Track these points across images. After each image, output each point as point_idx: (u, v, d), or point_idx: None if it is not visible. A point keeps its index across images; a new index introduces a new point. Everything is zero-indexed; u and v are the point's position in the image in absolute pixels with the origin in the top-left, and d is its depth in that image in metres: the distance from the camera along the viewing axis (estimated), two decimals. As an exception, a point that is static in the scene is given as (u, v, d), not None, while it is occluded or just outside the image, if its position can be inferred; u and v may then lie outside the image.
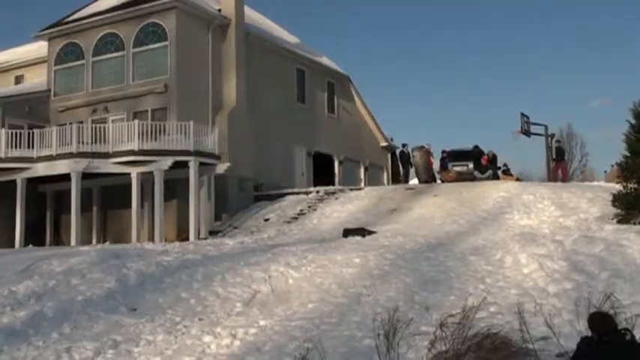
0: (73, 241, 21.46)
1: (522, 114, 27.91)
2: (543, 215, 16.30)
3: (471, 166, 25.50)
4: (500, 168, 27.52)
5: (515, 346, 6.79)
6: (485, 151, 26.46)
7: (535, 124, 28.22)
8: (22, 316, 9.72)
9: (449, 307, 8.50)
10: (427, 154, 27.38)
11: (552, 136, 28.73)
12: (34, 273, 12.51)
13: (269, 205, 23.89)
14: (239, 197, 24.74)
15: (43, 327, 9.36)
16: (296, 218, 21.44)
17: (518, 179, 26.36)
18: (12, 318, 9.71)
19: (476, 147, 26.84)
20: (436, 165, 27.69)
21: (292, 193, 24.83)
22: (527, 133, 28.01)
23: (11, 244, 22.62)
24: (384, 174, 34.93)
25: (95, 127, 22.42)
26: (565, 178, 26.53)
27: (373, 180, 33.23)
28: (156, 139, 21.84)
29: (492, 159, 26.22)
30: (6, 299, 10.58)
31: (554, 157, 26.68)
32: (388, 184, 31.60)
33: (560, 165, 26.18)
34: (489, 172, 22.18)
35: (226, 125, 24.66)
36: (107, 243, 20.19)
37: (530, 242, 11.96)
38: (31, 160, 22.46)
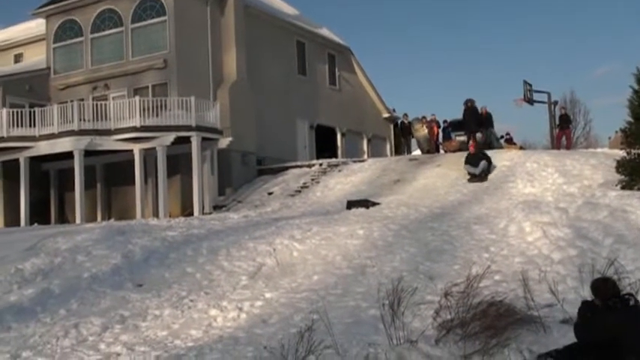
0: (77, 219, 21.56)
1: (525, 82, 27.70)
2: (547, 183, 16.27)
3: (479, 135, 24.20)
4: (503, 136, 27.36)
5: (520, 313, 6.81)
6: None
7: (538, 91, 28.02)
8: (30, 294, 9.78)
9: (453, 277, 8.53)
10: (429, 124, 27.23)
11: (555, 103, 28.53)
12: (40, 251, 12.57)
13: (272, 178, 23.90)
14: (242, 171, 24.74)
15: (50, 304, 9.42)
16: (299, 191, 21.46)
17: (521, 148, 26.21)
18: (19, 296, 9.77)
19: (469, 101, 24.38)
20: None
21: (295, 167, 24.81)
22: (530, 101, 27.82)
23: (17, 223, 22.73)
24: (387, 145, 34.85)
25: (96, 105, 22.38)
26: (569, 146, 26.36)
27: (376, 152, 33.17)
28: (157, 115, 21.80)
29: (487, 117, 24.69)
30: (13, 277, 10.63)
31: (557, 124, 26.51)
32: (391, 155, 31.51)
33: (563, 132, 25.99)
34: (483, 163, 17.76)
35: (227, 99, 24.56)
36: (112, 220, 20.24)
37: (534, 210, 11.95)
38: (33, 138, 22.47)
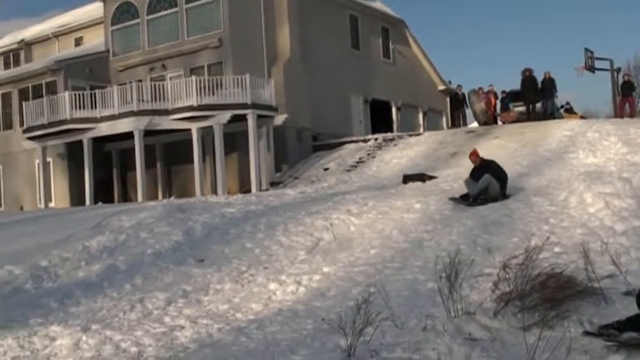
0: (139, 197, 22.15)
1: (586, 49, 26.89)
2: (609, 153, 15.80)
3: (538, 105, 23.74)
4: (562, 106, 26.66)
5: (581, 285, 6.71)
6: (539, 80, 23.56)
7: (600, 58, 27.16)
8: (97, 270, 10.16)
9: (512, 249, 8.44)
10: (487, 96, 26.72)
11: (618, 70, 27.61)
12: (105, 229, 13.01)
13: (328, 154, 23.96)
14: (298, 148, 24.87)
15: (116, 279, 9.76)
16: (355, 166, 21.46)
17: (582, 117, 25.51)
18: (87, 272, 10.16)
19: (527, 70, 23.61)
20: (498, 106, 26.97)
21: (351, 142, 24.79)
22: (591, 68, 27.00)
23: (82, 202, 23.51)
24: (443, 118, 34.42)
25: (154, 85, 22.79)
26: (633, 114, 25.43)
27: (432, 125, 32.81)
28: (213, 94, 22.07)
29: (550, 83, 23.75)
30: (80, 254, 11.05)
31: (620, 91, 25.62)
32: (447, 128, 31.12)
33: (627, 100, 25.08)
34: (485, 180, 11.88)
35: (282, 76, 24.64)
36: (172, 197, 20.69)
37: (596, 181, 11.66)
38: (95, 120, 23.09)
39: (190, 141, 22.24)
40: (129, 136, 22.58)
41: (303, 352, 5.83)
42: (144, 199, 21.80)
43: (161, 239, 11.78)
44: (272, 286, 8.75)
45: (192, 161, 22.32)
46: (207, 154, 23.59)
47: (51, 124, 23.63)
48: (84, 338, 6.98)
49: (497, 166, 12.51)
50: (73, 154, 25.07)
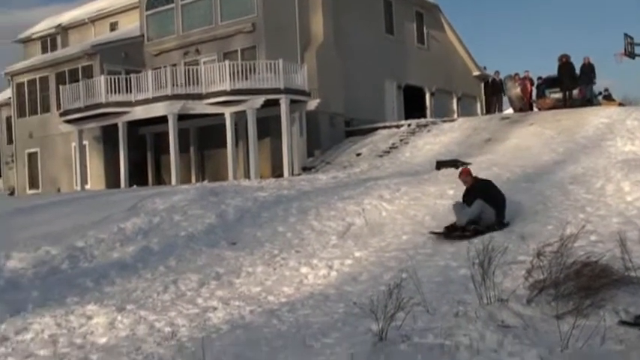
0: (173, 180, 22.38)
1: (626, 35, 26.26)
2: (648, 141, 15.50)
3: (575, 91, 23.33)
4: (601, 93, 26.15)
5: (617, 274, 6.60)
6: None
7: (640, 44, 26.53)
8: (131, 251, 10.30)
9: (546, 237, 8.33)
10: (522, 82, 26.32)
11: (659, 56, 26.94)
12: (139, 211, 13.19)
13: (360, 139, 23.90)
14: (330, 133, 24.84)
15: (150, 261, 9.89)
16: (388, 152, 21.38)
17: (621, 104, 24.98)
18: (122, 253, 10.31)
19: (564, 56, 23.13)
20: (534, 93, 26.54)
21: (383, 127, 24.69)
22: (631, 54, 26.38)
23: (117, 185, 23.86)
24: (478, 104, 34.04)
25: (188, 70, 22.93)
26: (673, 101, 24.84)
27: (466, 111, 32.48)
28: (247, 79, 22.13)
29: (590, 69, 23.14)
30: (116, 236, 11.22)
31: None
32: (482, 114, 30.77)
33: (668, 87, 24.46)
34: (477, 207, 9.80)
35: (315, 61, 24.58)
36: (205, 181, 20.86)
37: (634, 169, 11.46)
38: (129, 104, 23.34)
39: (223, 125, 22.36)
40: (163, 120, 22.79)
41: (334, 336, 5.85)
42: (177, 182, 22.03)
43: (194, 222, 11.91)
44: (304, 269, 8.79)
45: (225, 145, 22.45)
46: (240, 139, 23.70)
47: (87, 108, 23.97)
48: (119, 318, 7.10)
49: (494, 187, 10.38)
50: (108, 138, 25.41)
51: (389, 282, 7.22)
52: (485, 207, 9.78)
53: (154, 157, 26.91)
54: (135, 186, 22.25)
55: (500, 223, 9.83)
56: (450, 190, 12.11)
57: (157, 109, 22.66)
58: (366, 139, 23.80)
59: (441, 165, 15.95)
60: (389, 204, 11.80)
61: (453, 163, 15.81)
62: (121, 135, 23.71)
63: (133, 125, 24.64)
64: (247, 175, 22.34)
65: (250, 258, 9.68)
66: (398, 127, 24.36)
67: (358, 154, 22.29)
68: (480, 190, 10.09)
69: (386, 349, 5.12)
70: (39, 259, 9.99)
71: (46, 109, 28.70)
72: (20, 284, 9.06)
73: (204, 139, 25.83)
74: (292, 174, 21.47)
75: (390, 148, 21.79)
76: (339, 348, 5.44)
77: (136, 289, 8.56)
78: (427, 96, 31.09)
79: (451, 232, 9.67)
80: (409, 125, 24.11)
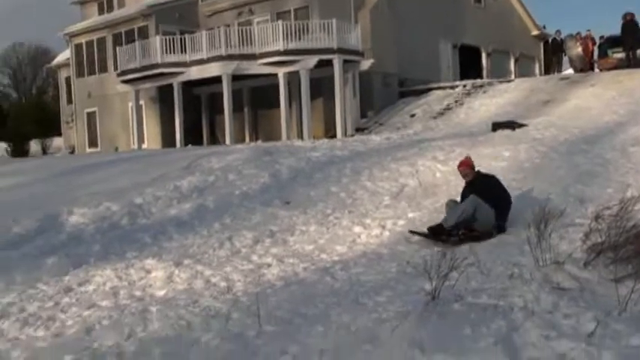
0: (227, 140, 22.65)
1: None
2: None
3: (639, 51, 22.42)
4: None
5: (679, 238, 6.42)
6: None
7: None
8: (188, 208, 10.53)
9: (605, 200, 8.15)
10: (584, 41, 25.46)
11: None
12: (195, 170, 13.42)
13: (414, 100, 23.64)
14: (384, 94, 24.63)
15: (206, 218, 10.10)
16: (442, 113, 21.12)
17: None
18: (179, 210, 10.55)
19: (628, 14, 21.94)
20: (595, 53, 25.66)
21: (438, 88, 24.34)
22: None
23: (173, 144, 24.28)
24: (536, 65, 33.14)
25: (241, 30, 22.96)
26: None
27: (524, 71, 31.66)
28: (300, 39, 22.05)
29: None
30: (172, 193, 11.47)
31: None
32: (540, 75, 29.97)
33: None
34: (467, 207, 8.01)
35: (368, 20, 24.27)
36: (259, 141, 21.07)
37: (700, 131, 11.04)
38: (184, 64, 23.57)
39: (277, 86, 22.41)
40: (217, 80, 22.97)
41: (387, 294, 5.89)
42: (231, 142, 22.28)
43: (249, 181, 12.06)
44: (356, 229, 8.83)
45: (278, 106, 22.53)
46: (293, 99, 23.73)
47: (143, 68, 24.33)
48: (176, 272, 7.30)
49: (498, 184, 8.50)
50: (164, 98, 25.80)
51: (442, 242, 7.20)
52: (481, 205, 7.92)
53: (209, 118, 27.23)
54: (190, 145, 22.62)
55: (499, 227, 7.99)
56: (505, 151, 11.91)
57: (211, 70, 22.83)
58: (420, 100, 23.53)
59: (496, 126, 15.67)
60: (443, 165, 11.68)
61: (510, 125, 15.51)
62: (176, 95, 24.03)
63: (188, 85, 24.93)
64: (300, 136, 22.42)
65: (304, 217, 9.77)
66: (453, 87, 23.97)
67: (412, 116, 22.08)
68: (479, 187, 8.26)
69: (438, 308, 5.13)
70: (100, 214, 10.31)
71: (103, 69, 29.27)
72: (82, 238, 9.40)
73: (257, 100, 25.97)
74: (345, 135, 21.44)
75: (445, 109, 21.50)
76: (392, 306, 5.47)
77: (193, 245, 8.76)
78: (483, 56, 30.42)
79: (436, 235, 7.92)
80: (464, 86, 23.71)
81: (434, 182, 10.99)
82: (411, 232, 8.26)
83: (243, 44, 22.60)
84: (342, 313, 5.30)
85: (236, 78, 23.00)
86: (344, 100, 22.08)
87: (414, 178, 11.23)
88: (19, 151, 29.86)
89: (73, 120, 32.29)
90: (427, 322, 4.75)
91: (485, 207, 7.93)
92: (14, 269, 7.94)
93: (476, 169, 8.66)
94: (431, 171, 11.54)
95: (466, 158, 8.87)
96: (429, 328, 4.63)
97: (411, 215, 9.23)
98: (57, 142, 34.48)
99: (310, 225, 9.28)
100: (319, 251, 7.96)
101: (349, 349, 4.44)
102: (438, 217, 8.64)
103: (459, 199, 8.49)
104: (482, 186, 8.25)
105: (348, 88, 22.78)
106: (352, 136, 20.83)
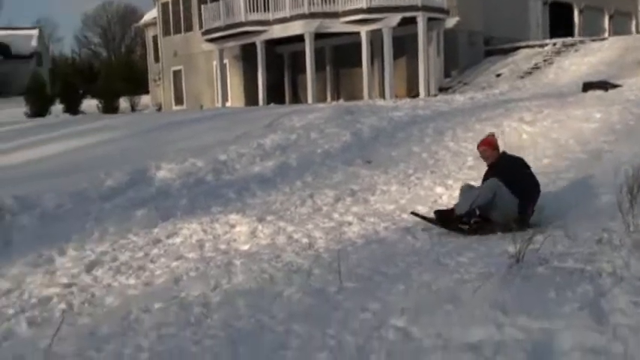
0: (309, 99, 22.72)
1: None
2: None
3: None
4: None
5: None
6: None
7: None
8: (270, 166, 10.69)
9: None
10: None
11: None
12: (277, 128, 13.57)
13: (501, 59, 22.97)
14: (469, 52, 24.02)
15: (288, 176, 10.23)
16: (530, 73, 20.46)
17: None
18: (262, 167, 10.73)
19: None
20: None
21: (526, 47, 23.55)
22: None
23: (255, 103, 24.59)
24: (632, 22, 31.44)
25: (325, -13, 22.79)
26: None
27: (619, 29, 30.11)
28: (384, -4, 21.71)
29: None
30: (255, 151, 11.67)
31: None
32: (637, 33, 28.43)
33: None
34: (483, 191, 6.83)
35: (454, -24, 23.60)
36: (340, 100, 21.04)
37: None
38: (267, 22, 23.67)
39: (359, 44, 22.21)
40: (300, 39, 22.97)
41: (469, 255, 5.82)
42: (313, 100, 22.34)
43: (330, 140, 12.11)
44: (438, 189, 8.75)
45: (360, 65, 22.37)
46: (375, 58, 23.50)
47: (227, 27, 24.59)
48: (259, 227, 7.45)
49: (526, 169, 7.14)
50: (247, 57, 26.06)
51: (528, 205, 7.02)
52: (502, 190, 6.66)
53: (291, 76, 27.36)
54: (272, 104, 22.83)
55: (522, 219, 6.48)
56: (596, 113, 11.44)
57: (294, 28, 22.84)
58: (507, 58, 22.83)
59: (588, 87, 15.06)
60: (530, 126, 11.35)
61: (602, 85, 14.88)
62: (259, 54, 24.22)
63: (271, 44, 25.05)
64: (382, 95, 22.24)
65: (385, 176, 9.75)
66: (542, 46, 23.12)
67: (498, 75, 21.48)
68: (503, 170, 6.92)
69: (522, 271, 5.04)
70: (186, 170, 10.62)
71: (189, 28, 29.77)
72: (169, 193, 9.72)
73: (339, 59, 25.85)
74: (428, 94, 21.12)
75: (533, 68, 20.80)
76: (474, 268, 5.41)
77: (275, 202, 8.91)
78: (575, 13, 29.09)
79: (445, 221, 6.80)
80: (554, 44, 22.82)
81: (520, 144, 10.70)
82: (413, 213, 7.12)
83: (325, 2, 22.45)
84: (422, 273, 5.29)
85: (318, 36, 22.93)
86: (427, 59, 21.69)
87: (499, 139, 10.95)
88: (109, 107, 30.92)
89: (160, 78, 33.16)
90: (510, 285, 4.68)
91: (507, 194, 6.67)
92: (107, 220, 8.33)
93: (501, 150, 7.31)
94: (517, 132, 11.24)
95: (489, 136, 7.49)
96: (512, 291, 4.56)
97: (495, 177, 9.04)
98: (144, 99, 35.53)
99: (391, 185, 9.25)
100: (400, 211, 7.94)
101: (430, 308, 4.44)
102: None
103: (477, 183, 7.29)
104: (506, 170, 6.91)
105: (432, 47, 22.33)
106: (435, 95, 20.49)
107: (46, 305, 5.65)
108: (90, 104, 31.96)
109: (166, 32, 31.34)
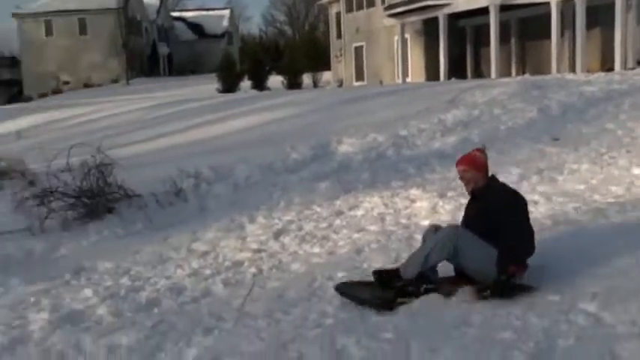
0: (492, 74, 22.03)
1: None
2: None
3: None
4: None
5: None
6: None
7: None
8: (452, 142, 10.54)
9: None
10: None
11: None
12: (459, 103, 13.33)
13: None
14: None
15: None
16: None
17: None
18: (442, 143, 10.62)
19: None
20: None
21: None
22: None
23: (436, 77, 24.31)
24: None
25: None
26: None
27: None
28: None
29: None
30: (436, 126, 11.56)
31: None
32: None
33: None
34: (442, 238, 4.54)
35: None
36: (526, 74, 20.14)
37: None
38: (451, -5, 23.19)
39: (548, 15, 21.08)
40: (483, 11, 22.26)
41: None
42: (497, 75, 21.64)
43: (514, 116, 11.68)
44: (635, 170, 8.08)
45: (548, 37, 21.25)
46: (565, 30, 22.18)
47: (410, 1, 24.45)
48: (440, 203, 7.38)
49: (516, 206, 4.72)
50: (429, 31, 25.76)
51: None
52: (466, 240, 4.56)
53: (473, 50, 26.66)
54: (454, 79, 22.42)
55: (503, 284, 4.40)
56: None
57: (479, 1, 22.17)
58: None
59: None
60: None
61: None
62: (441, 28, 23.85)
63: (453, 18, 24.54)
64: (572, 69, 21.00)
65: (574, 155, 9.22)
66: None
67: None
68: (484, 206, 4.79)
69: None
70: (367, 145, 10.80)
71: (371, 4, 29.98)
72: (351, 167, 9.95)
73: (525, 31, 24.73)
74: (625, 68, 19.58)
75: None
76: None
77: (455, 178, 8.70)
78: None
79: (384, 285, 4.65)
80: None
81: None
82: (340, 286, 4.86)
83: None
84: (618, 258, 4.96)
85: (503, 8, 22.06)
86: (625, 30, 20.05)
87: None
88: (293, 83, 32.17)
89: (341, 54, 33.80)
90: None
91: (477, 243, 4.55)
92: (292, 191, 8.72)
93: (490, 173, 4.97)
94: None
95: (474, 151, 5.13)
96: None
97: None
98: (326, 75, 36.43)
99: (582, 163, 8.72)
100: (591, 192, 7.46)
101: (623, 294, 4.17)
102: None
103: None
104: (488, 205, 4.73)
105: (631, 15, 20.60)
106: (633, 69, 18.94)
107: (239, 268, 6.07)
108: (275, 80, 33.45)
109: (349, 9, 31.80)
